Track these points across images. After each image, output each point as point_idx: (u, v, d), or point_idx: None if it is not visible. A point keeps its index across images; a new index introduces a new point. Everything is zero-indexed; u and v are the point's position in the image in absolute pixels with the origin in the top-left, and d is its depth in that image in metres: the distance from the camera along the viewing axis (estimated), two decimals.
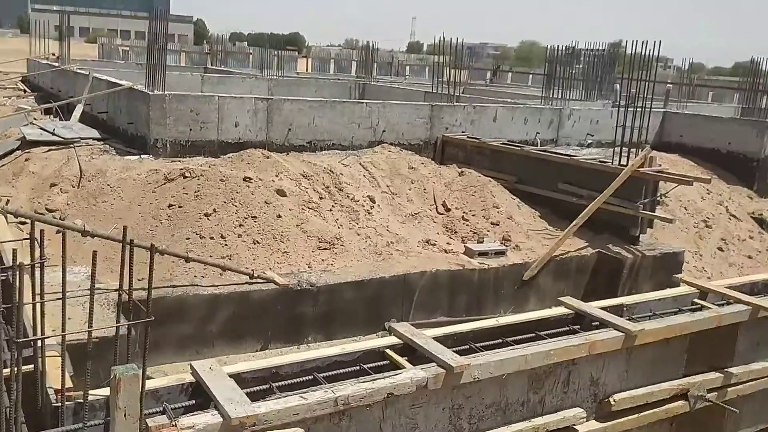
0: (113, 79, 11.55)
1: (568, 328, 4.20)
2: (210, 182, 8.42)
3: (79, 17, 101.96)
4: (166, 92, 9.53)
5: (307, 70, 28.18)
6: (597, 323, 4.16)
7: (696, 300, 4.79)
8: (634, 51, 10.06)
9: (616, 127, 9.34)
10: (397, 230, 9.01)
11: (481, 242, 8.89)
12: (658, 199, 9.23)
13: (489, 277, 8.39)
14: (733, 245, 11.22)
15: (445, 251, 8.70)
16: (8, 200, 7.81)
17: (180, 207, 8.14)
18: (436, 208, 9.82)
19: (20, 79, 17.97)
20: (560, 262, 8.83)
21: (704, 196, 12.14)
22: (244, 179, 8.59)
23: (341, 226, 8.65)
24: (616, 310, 4.40)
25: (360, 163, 10.30)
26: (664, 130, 14.43)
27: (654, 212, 9.10)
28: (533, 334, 4.07)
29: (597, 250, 9.06)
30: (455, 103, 12.56)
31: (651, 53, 9.90)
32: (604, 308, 4.32)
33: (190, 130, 9.68)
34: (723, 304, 4.68)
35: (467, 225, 9.39)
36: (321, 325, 7.33)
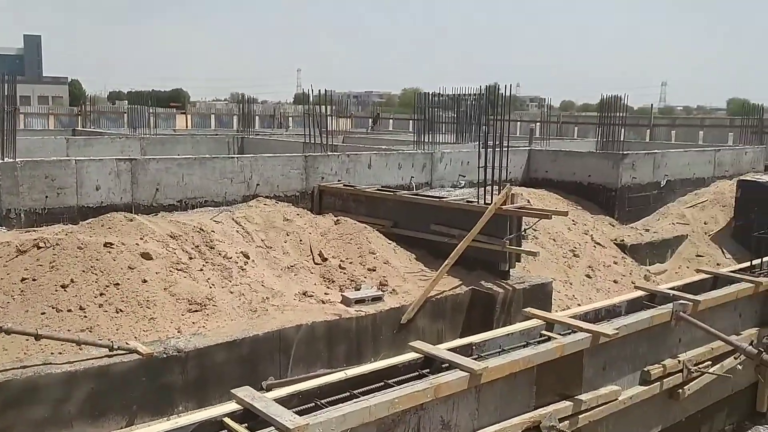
0: None
1: (417, 373, 4.23)
2: (67, 251, 7.97)
3: None
4: (17, 159, 9.02)
5: (187, 126, 27.71)
6: (446, 365, 4.22)
7: (543, 332, 4.97)
8: (486, 93, 10.58)
9: (478, 167, 9.72)
10: (272, 284, 8.87)
11: (359, 289, 8.91)
12: (523, 233, 9.61)
13: (367, 324, 8.39)
14: (599, 271, 11.86)
15: (323, 302, 8.64)
16: None
17: (34, 280, 7.65)
18: (313, 259, 9.77)
19: None
20: (436, 303, 8.98)
21: (571, 227, 12.81)
22: (105, 245, 8.21)
23: (213, 285, 8.42)
24: (465, 349, 4.49)
25: (233, 219, 10.13)
26: (531, 167, 15.21)
27: (520, 246, 9.46)
28: (382, 383, 4.07)
29: (470, 287, 9.29)
30: (329, 153, 12.70)
31: (506, 95, 10.44)
32: (452, 349, 4.39)
33: (46, 197, 9.20)
34: (568, 333, 4.88)
35: (344, 273, 9.40)
36: (193, 392, 7.03)
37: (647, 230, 13.72)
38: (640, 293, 6.08)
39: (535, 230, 12.07)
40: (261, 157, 11.57)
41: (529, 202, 13.04)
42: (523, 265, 11.02)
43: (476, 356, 4.42)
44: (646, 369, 5.41)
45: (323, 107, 14.46)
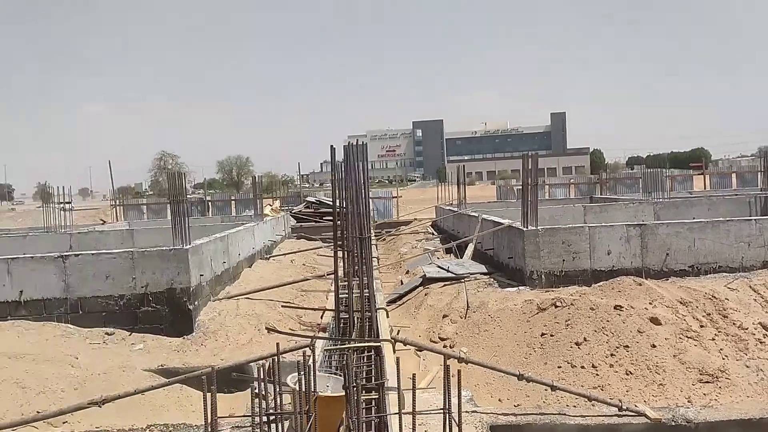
0: (497, 219, 12.88)
1: None
2: (580, 311, 8.65)
3: (487, 162, 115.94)
4: (538, 227, 10.28)
5: (705, 187, 26.49)
6: None
7: None
8: None
9: None
10: None
11: None
12: None
13: None
14: None
15: None
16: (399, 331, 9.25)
17: (551, 336, 8.53)
18: None
19: (430, 223, 21.16)
20: None
21: None
22: (615, 307, 8.60)
23: (726, 357, 7.90)
24: None
25: (750, 286, 9.32)
26: None
27: None
28: None
29: None
30: None
31: None
32: None
33: (563, 261, 10.15)
34: None
35: None
36: None
37: None
38: None
39: None
40: None
41: None
42: None
43: None
44: None
45: None
